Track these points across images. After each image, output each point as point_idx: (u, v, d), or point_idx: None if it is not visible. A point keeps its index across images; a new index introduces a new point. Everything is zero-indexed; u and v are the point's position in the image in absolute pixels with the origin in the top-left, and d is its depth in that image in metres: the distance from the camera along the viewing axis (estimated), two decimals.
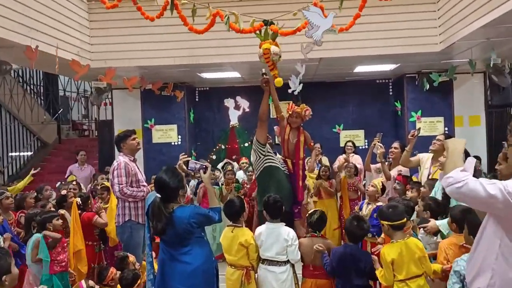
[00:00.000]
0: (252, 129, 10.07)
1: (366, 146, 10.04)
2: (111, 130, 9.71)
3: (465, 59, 7.59)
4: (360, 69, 8.55)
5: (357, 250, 3.89)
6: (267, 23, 4.82)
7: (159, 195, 3.31)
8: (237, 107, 10.12)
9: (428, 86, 8.63)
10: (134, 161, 5.10)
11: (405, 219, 3.62)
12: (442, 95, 9.00)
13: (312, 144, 5.47)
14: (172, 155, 9.32)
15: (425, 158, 5.51)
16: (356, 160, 8.20)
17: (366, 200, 5.48)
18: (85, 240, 5.21)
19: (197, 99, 10.35)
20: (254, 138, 5.14)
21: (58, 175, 9.63)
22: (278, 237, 4.02)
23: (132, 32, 7.01)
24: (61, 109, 13.39)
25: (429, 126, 9.09)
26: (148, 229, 3.44)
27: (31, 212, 4.76)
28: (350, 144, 8.39)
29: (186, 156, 3.66)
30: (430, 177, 5.22)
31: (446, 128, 9.01)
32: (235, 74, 8.61)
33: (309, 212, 4.24)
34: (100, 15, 7.05)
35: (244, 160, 8.74)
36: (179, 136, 9.56)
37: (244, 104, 10.12)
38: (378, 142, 5.94)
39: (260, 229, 4.18)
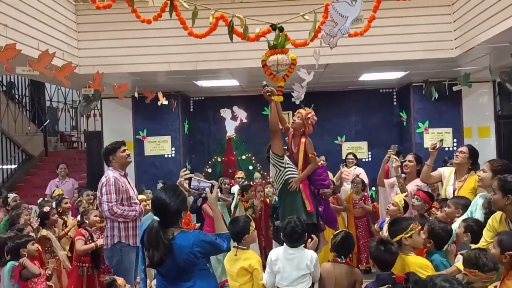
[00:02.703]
0: (250, 140, 9.67)
1: (370, 159, 9.62)
2: (100, 141, 9.18)
3: (475, 67, 7.21)
4: (365, 77, 8.10)
5: (393, 280, 3.31)
6: (275, 27, 4.37)
7: (157, 219, 2.75)
8: (234, 117, 9.69)
9: (437, 95, 8.23)
10: (125, 175, 4.57)
11: (404, 234, 3.37)
12: (451, 105, 8.58)
13: (312, 155, 4.86)
14: (165, 169, 8.84)
15: (447, 172, 5.01)
16: (360, 173, 7.77)
17: (387, 219, 4.95)
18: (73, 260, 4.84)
19: (191, 109, 9.83)
20: (270, 151, 4.67)
21: (44, 190, 9.02)
22: (299, 264, 3.49)
23: (123, 35, 6.50)
24: (48, 120, 12.78)
25: (437, 137, 8.59)
26: (143, 260, 2.87)
27: (3, 236, 4.18)
28: (351, 156, 7.98)
29: (188, 172, 3.10)
30: (456, 193, 4.73)
31: (455, 140, 8.57)
32: (233, 82, 8.11)
33: (334, 234, 3.72)
34: (88, 17, 6.54)
35: (239, 174, 8.21)
36: (173, 148, 9.01)
37: (242, 114, 9.70)
38: (393, 154, 5.44)
39: (276, 253, 3.63)
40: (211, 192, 3.00)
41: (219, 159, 9.47)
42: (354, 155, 8.07)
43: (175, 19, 4.21)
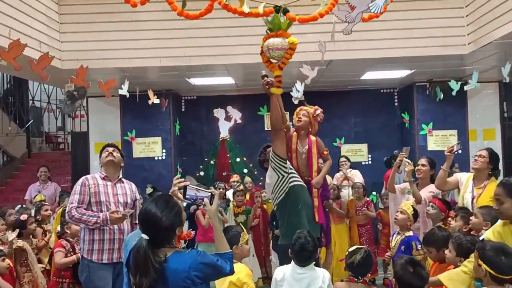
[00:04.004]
0: (245, 142, 9.21)
1: (370, 162, 9.20)
2: (86, 143, 8.67)
3: (485, 65, 6.83)
4: (368, 75, 7.68)
5: None
6: (279, 10, 3.86)
7: (145, 237, 2.27)
8: (227, 118, 9.29)
9: (442, 96, 7.82)
10: (110, 179, 4.06)
11: None
12: (455, 106, 8.20)
13: (325, 153, 4.53)
14: (155, 172, 8.38)
15: (465, 178, 4.58)
16: (355, 175, 7.38)
17: (397, 230, 4.53)
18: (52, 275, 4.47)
19: (183, 109, 9.32)
20: (271, 152, 4.14)
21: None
22: (309, 285, 3.07)
23: (111, 27, 6.00)
24: (31, 120, 12.20)
25: (442, 140, 8.26)
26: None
27: None
28: (343, 159, 7.57)
29: (183, 180, 2.61)
30: (475, 201, 4.30)
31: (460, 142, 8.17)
32: (228, 80, 7.63)
33: (349, 251, 3.27)
34: (72, 7, 6.02)
35: (234, 178, 7.76)
36: (164, 150, 8.50)
37: (236, 114, 9.29)
38: (406, 157, 4.99)
39: (282, 272, 3.17)
40: (211, 203, 2.52)
41: (212, 162, 9.09)
42: (347, 158, 7.67)
43: (167, 10, 3.70)
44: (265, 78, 4.05)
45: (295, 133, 4.50)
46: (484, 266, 2.50)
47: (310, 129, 4.49)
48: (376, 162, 9.11)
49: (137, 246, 2.25)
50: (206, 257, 2.36)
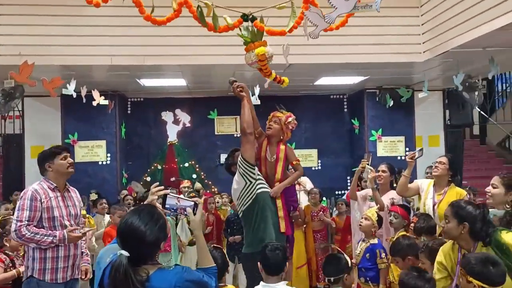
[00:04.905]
0: (194, 146, 8.95)
1: (320, 167, 9.25)
2: (21, 146, 8.04)
3: (433, 74, 7.05)
4: (322, 81, 7.69)
5: None
6: (246, 18, 3.72)
7: (125, 253, 1.99)
8: (176, 121, 9.02)
9: (392, 103, 8.01)
10: (59, 189, 3.68)
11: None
12: (403, 113, 8.42)
13: (295, 163, 4.36)
14: (99, 177, 7.90)
15: (426, 185, 4.63)
16: (307, 182, 7.37)
17: (363, 237, 4.48)
18: None
19: (129, 111, 8.88)
20: (239, 157, 3.93)
21: None
22: None
23: (55, 21, 5.51)
24: None
25: (390, 146, 8.46)
26: None
27: None
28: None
29: (162, 188, 2.34)
30: (436, 207, 4.35)
31: (407, 149, 8.39)
32: (180, 82, 7.32)
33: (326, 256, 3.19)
34: None
35: (185, 183, 7.48)
36: (108, 154, 8.01)
37: (185, 118, 9.07)
38: (368, 164, 4.98)
39: None
40: (194, 213, 2.28)
41: (159, 167, 8.83)
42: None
43: (119, 5, 3.42)
44: (235, 83, 3.94)
45: (266, 140, 4.32)
46: (475, 282, 2.45)
47: (282, 137, 4.31)
48: (325, 167, 9.19)
49: (116, 264, 1.97)
50: (191, 273, 2.12)
